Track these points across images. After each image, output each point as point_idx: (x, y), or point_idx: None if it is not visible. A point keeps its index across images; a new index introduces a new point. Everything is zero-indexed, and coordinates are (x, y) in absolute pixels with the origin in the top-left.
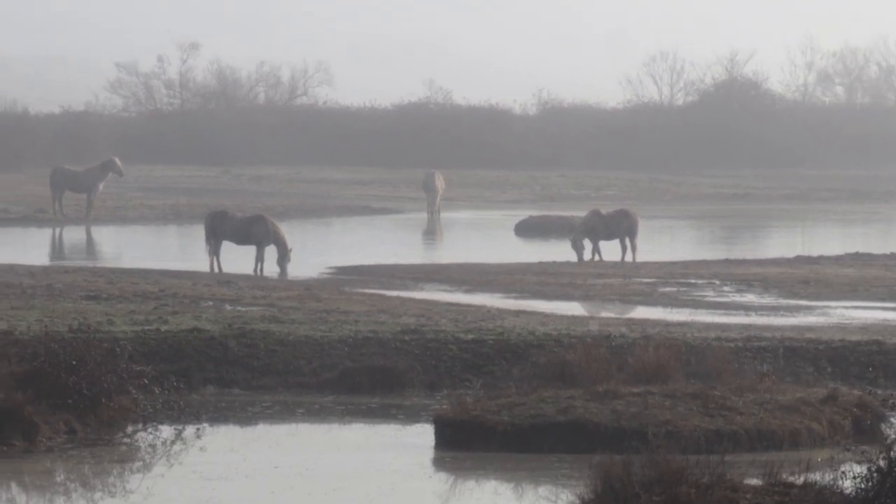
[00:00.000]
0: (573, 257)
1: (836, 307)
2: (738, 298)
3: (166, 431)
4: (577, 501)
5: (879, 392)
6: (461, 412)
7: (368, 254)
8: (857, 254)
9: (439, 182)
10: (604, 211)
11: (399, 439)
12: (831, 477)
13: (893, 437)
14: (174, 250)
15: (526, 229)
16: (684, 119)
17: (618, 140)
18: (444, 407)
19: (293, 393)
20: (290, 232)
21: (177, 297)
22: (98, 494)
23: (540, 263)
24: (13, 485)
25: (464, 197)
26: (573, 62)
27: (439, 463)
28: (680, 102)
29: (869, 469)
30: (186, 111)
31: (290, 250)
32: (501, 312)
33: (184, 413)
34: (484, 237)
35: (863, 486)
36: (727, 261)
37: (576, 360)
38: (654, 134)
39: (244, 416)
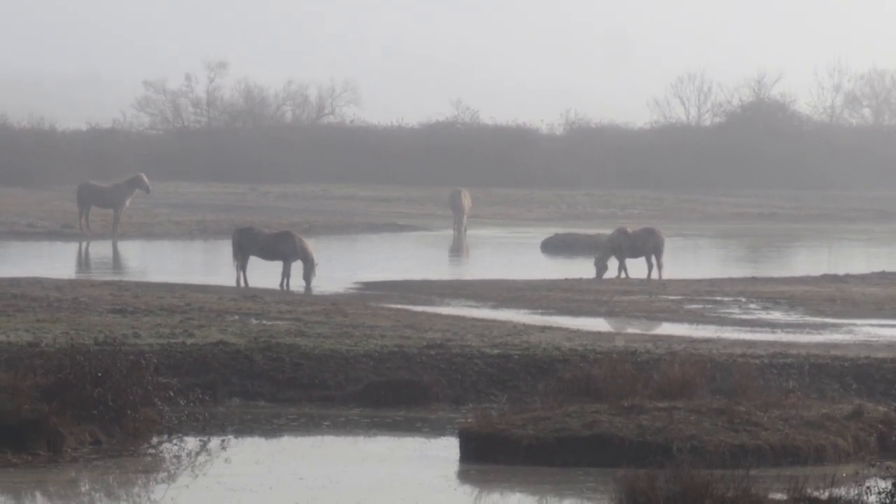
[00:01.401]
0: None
1: (861, 325)
2: (764, 316)
3: (191, 443)
4: None
5: None
6: (486, 426)
7: (394, 270)
8: (883, 273)
9: (466, 200)
10: (630, 229)
11: (424, 452)
12: (856, 492)
13: None
14: (200, 265)
15: (552, 247)
16: (711, 140)
17: (644, 160)
18: (470, 420)
19: (318, 406)
20: (317, 248)
21: (203, 310)
22: None
23: (566, 280)
24: (38, 494)
25: (490, 215)
26: (601, 84)
27: (464, 476)
28: (707, 123)
29: (893, 484)
30: (213, 129)
31: (316, 265)
32: (527, 328)
33: (209, 425)
34: (510, 254)
35: (887, 501)
36: (753, 279)
37: (601, 376)
38: (681, 154)
39: (269, 428)
